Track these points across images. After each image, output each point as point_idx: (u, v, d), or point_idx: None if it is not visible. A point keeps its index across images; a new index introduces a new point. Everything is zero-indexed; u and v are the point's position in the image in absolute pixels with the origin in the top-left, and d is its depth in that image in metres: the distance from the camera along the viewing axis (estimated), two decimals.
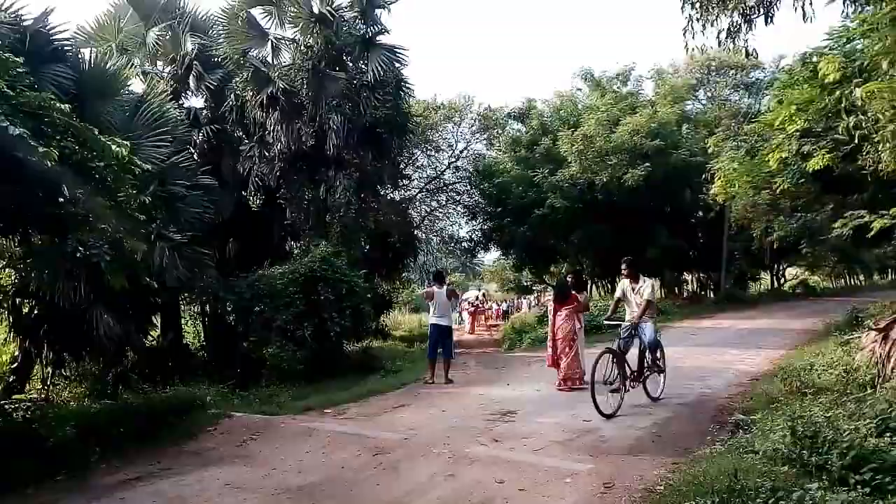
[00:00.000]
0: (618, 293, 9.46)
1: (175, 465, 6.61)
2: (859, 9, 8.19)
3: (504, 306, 39.54)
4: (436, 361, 11.62)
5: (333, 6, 16.08)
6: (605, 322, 9.67)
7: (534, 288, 40.03)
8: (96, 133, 6.54)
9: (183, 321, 15.06)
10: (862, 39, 8.61)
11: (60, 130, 6.36)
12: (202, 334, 15.87)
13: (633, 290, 9.12)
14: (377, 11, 16.66)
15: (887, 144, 7.68)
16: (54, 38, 9.21)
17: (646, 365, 8.83)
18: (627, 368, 8.51)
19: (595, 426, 7.49)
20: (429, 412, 8.85)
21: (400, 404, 9.56)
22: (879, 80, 7.05)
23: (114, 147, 6.52)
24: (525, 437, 7.04)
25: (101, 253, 7.17)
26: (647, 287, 9.03)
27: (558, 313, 10.59)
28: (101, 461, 6.73)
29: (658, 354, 9.10)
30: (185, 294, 13.95)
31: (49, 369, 11.11)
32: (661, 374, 9.17)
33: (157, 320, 13.57)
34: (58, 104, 6.27)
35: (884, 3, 5.77)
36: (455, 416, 8.48)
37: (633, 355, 8.72)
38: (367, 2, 16.34)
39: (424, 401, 9.83)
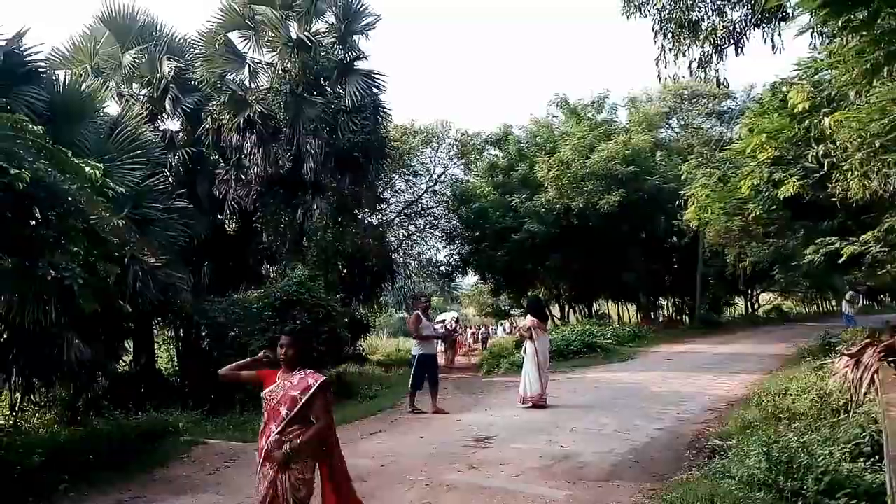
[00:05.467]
0: None
1: (146, 494, 6.46)
2: (826, 41, 8.41)
3: (482, 331, 39.37)
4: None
5: (311, 32, 16.20)
6: None
7: (511, 313, 39.96)
8: (69, 155, 6.48)
9: (156, 346, 14.81)
10: (830, 70, 8.82)
11: (33, 152, 6.29)
12: (175, 359, 15.60)
13: None
14: (355, 37, 16.82)
15: (855, 172, 7.83)
16: (28, 59, 9.15)
17: None
18: None
19: (573, 452, 7.47)
20: (406, 438, 8.75)
21: (377, 430, 9.45)
22: (847, 109, 7.22)
23: (87, 169, 6.48)
24: (503, 463, 6.99)
25: (73, 276, 7.05)
26: None
27: None
28: (69, 489, 6.54)
29: None
30: (159, 318, 13.73)
31: (18, 395, 10.84)
32: None
33: (129, 345, 13.32)
34: (30, 125, 6.21)
35: (850, 37, 5.93)
36: (432, 442, 8.39)
37: None
38: (344, 28, 16.47)
39: (402, 427, 9.72)
